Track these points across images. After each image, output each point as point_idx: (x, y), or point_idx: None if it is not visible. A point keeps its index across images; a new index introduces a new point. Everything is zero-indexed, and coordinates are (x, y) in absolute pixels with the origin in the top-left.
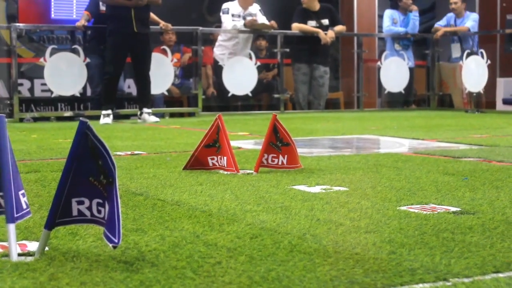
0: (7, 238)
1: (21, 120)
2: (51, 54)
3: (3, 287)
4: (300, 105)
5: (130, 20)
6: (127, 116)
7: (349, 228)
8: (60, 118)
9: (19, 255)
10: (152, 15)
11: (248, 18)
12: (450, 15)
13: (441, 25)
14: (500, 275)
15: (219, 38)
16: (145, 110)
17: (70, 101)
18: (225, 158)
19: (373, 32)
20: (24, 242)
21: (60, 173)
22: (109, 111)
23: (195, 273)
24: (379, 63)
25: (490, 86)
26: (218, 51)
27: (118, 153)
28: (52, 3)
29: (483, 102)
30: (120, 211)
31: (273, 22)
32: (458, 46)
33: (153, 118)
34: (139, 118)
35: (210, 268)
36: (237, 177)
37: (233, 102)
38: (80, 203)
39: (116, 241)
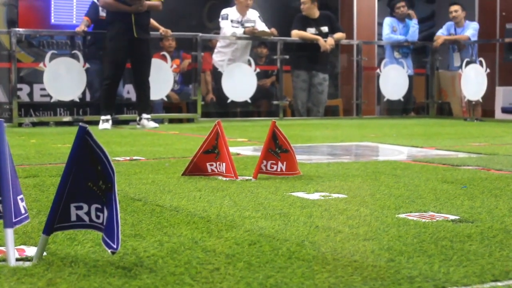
0: (5, 243)
1: (20, 125)
2: (51, 59)
3: None
4: (299, 112)
5: (130, 26)
6: (126, 122)
7: (348, 235)
8: (59, 123)
9: (17, 260)
10: (152, 21)
11: (247, 25)
12: (450, 23)
13: (443, 34)
14: (499, 283)
15: (218, 44)
16: (144, 115)
17: (69, 106)
18: (224, 164)
19: (372, 39)
20: (22, 247)
21: (59, 178)
22: (108, 117)
23: (193, 280)
24: (378, 70)
25: (489, 94)
26: (217, 58)
27: (117, 158)
28: (52, 8)
29: (478, 110)
30: (119, 216)
31: (273, 30)
32: (459, 55)
33: (152, 124)
34: (138, 124)
35: (208, 274)
36: (236, 183)
37: (232, 109)
38: (79, 208)
39: (115, 246)
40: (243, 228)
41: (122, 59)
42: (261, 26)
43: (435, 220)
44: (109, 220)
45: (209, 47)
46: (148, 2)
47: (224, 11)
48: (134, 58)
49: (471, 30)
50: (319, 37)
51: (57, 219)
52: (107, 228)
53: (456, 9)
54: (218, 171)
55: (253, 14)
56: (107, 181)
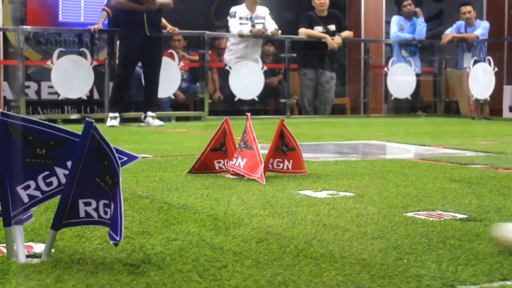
0: (14, 240)
1: None
2: (58, 56)
3: None
4: (305, 110)
5: (142, 24)
6: (134, 120)
7: (356, 233)
8: (66, 121)
9: (26, 256)
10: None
11: (257, 21)
12: (460, 23)
13: (452, 33)
14: (508, 282)
15: (228, 43)
16: (149, 113)
17: (77, 104)
18: (231, 162)
19: (380, 38)
20: (30, 243)
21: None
22: (116, 114)
23: (201, 277)
24: (386, 69)
25: (497, 93)
26: (227, 55)
27: None
28: (60, 6)
29: (486, 109)
30: (122, 209)
31: (274, 30)
32: (469, 56)
33: (157, 122)
34: (143, 121)
35: (216, 271)
36: (243, 181)
37: (239, 107)
38: (87, 204)
39: (117, 238)
40: (251, 226)
41: (134, 57)
42: (271, 24)
43: (443, 219)
44: (114, 213)
45: (216, 46)
46: (159, 0)
47: (232, 9)
48: (146, 56)
49: (481, 29)
50: (326, 36)
51: (66, 215)
52: (111, 221)
53: (469, 10)
54: (226, 168)
55: (263, 11)
56: (114, 176)
